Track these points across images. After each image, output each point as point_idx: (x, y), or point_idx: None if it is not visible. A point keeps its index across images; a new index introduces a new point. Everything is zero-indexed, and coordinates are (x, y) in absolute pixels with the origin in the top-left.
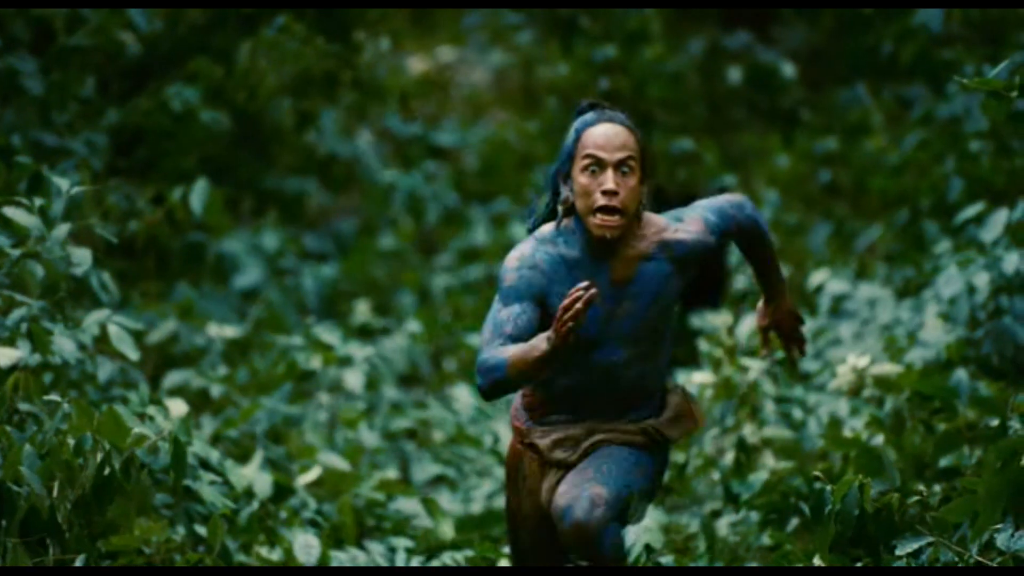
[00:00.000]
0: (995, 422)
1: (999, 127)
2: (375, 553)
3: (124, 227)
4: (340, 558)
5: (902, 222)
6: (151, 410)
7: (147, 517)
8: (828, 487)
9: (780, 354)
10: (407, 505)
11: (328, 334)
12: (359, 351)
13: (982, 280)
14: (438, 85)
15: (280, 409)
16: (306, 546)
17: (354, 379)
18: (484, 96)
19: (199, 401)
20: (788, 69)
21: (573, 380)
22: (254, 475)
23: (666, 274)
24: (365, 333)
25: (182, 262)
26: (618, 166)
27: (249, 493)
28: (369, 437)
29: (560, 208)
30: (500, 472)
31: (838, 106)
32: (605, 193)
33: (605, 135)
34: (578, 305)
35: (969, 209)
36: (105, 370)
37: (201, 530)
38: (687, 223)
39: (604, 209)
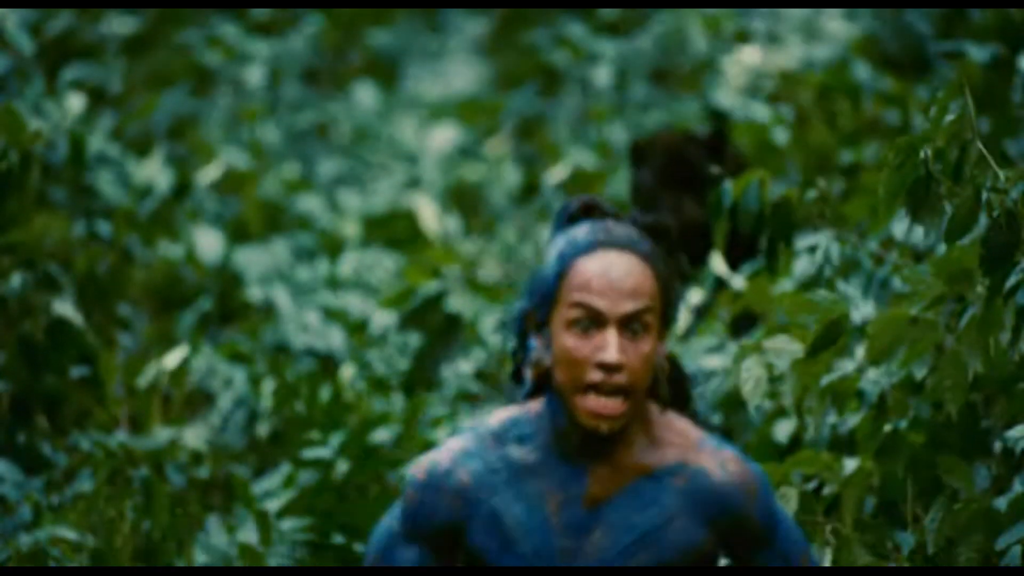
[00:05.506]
0: (897, 117)
1: None
2: (279, 248)
3: None
4: (244, 253)
5: None
6: (48, 105)
7: (46, 212)
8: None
9: None
10: (310, 203)
11: (229, 29)
12: (261, 47)
13: None
14: None
15: (180, 105)
16: (209, 242)
17: (255, 75)
18: None
19: (98, 96)
20: None
21: None
22: (154, 171)
23: (670, 512)
24: (266, 28)
25: None
26: (626, 323)
27: (149, 189)
28: (271, 134)
29: (528, 372)
30: (404, 169)
31: None
32: (603, 366)
33: (607, 275)
34: None
35: None
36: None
37: (101, 227)
38: (728, 458)
39: (601, 388)
